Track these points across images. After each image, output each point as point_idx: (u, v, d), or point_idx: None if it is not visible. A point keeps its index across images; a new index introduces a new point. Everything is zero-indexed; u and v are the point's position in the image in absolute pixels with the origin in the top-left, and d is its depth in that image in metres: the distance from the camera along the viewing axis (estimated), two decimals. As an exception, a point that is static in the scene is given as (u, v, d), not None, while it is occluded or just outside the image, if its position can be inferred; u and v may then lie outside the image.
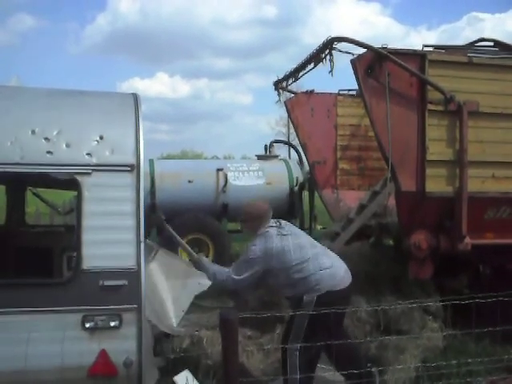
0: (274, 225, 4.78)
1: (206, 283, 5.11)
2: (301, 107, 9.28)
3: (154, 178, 10.97)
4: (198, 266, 4.95)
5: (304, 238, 4.80)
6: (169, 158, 43.06)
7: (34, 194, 7.39)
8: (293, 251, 4.57)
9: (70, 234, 6.01)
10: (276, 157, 12.58)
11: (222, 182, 11.20)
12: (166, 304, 4.94)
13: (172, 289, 4.96)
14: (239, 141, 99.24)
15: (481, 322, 4.51)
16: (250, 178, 11.48)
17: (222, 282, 4.77)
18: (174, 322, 4.95)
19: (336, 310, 4.15)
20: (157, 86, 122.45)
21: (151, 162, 11.32)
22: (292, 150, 12.83)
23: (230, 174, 11.33)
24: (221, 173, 11.24)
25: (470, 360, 4.86)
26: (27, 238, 6.32)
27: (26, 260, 5.83)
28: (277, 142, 13.99)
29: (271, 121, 62.56)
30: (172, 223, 10.50)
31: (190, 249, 5.32)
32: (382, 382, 4.87)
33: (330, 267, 4.58)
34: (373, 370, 4.77)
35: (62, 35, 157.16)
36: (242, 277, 4.64)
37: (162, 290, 5.00)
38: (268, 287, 5.41)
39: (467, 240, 6.00)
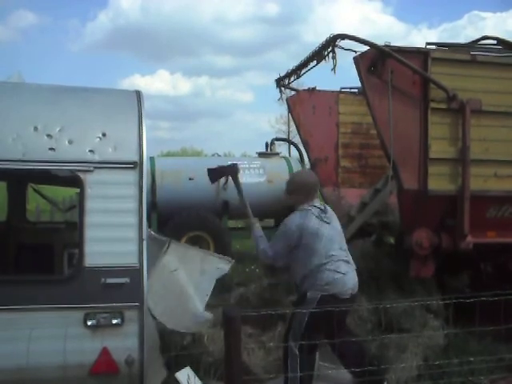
0: (319, 206, 4.71)
1: (225, 267, 5.14)
2: (302, 105, 9.24)
3: (154, 175, 10.97)
4: (251, 232, 5.00)
5: (338, 236, 4.74)
6: (169, 155, 43.01)
7: (35, 190, 7.39)
8: (324, 240, 4.53)
9: (71, 231, 6.02)
10: (277, 154, 12.57)
11: (222, 180, 11.16)
12: (186, 294, 4.93)
13: (191, 277, 4.96)
14: (239, 138, 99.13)
15: (483, 321, 4.50)
16: (250, 176, 11.47)
17: (260, 255, 4.84)
18: (200, 307, 4.95)
19: (335, 311, 4.14)
20: (157, 83, 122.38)
21: (152, 159, 11.31)
22: (292, 147, 12.82)
23: (231, 172, 11.31)
24: (222, 170, 11.22)
25: (471, 359, 4.87)
26: (28, 235, 6.31)
27: (28, 257, 5.82)
28: (278, 139, 14.01)
29: (271, 119, 62.42)
30: (172, 221, 10.61)
31: (249, 211, 5.23)
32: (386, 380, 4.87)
33: (344, 274, 4.56)
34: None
35: (64, 32, 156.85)
36: (274, 251, 4.67)
37: (180, 281, 4.98)
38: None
39: (469, 239, 5.98)
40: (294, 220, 4.61)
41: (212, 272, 5.18)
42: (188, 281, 5.12)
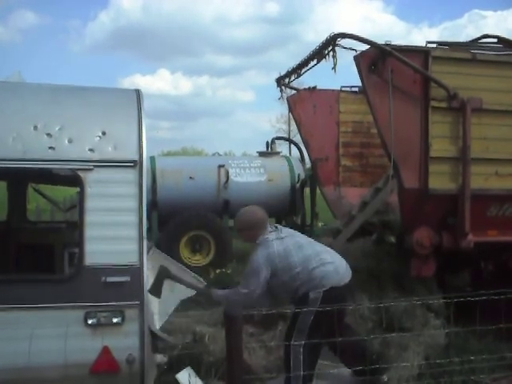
0: (272, 230, 4.74)
1: (193, 292, 5.04)
2: (303, 104, 9.24)
3: (155, 174, 10.98)
4: (212, 298, 4.86)
5: (301, 238, 4.79)
6: (170, 155, 43.05)
7: (36, 190, 7.38)
8: (294, 251, 4.55)
9: (71, 231, 6.01)
10: (277, 153, 12.58)
11: (223, 179, 11.21)
12: (151, 306, 4.88)
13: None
14: (240, 138, 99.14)
15: (484, 320, 4.50)
16: (251, 175, 11.49)
17: (236, 301, 4.61)
18: (158, 324, 4.90)
19: (340, 306, 4.14)
20: (158, 82, 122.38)
21: (152, 158, 11.33)
22: (293, 146, 12.82)
23: (231, 171, 11.34)
24: (222, 169, 11.25)
25: (472, 357, 4.86)
26: (29, 235, 6.30)
27: (28, 256, 5.82)
28: (278, 138, 14.01)
29: (272, 118, 62.39)
30: (173, 220, 10.62)
31: (196, 284, 5.06)
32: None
33: (333, 262, 4.58)
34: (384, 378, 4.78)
35: (64, 32, 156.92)
36: (251, 288, 4.52)
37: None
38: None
39: (470, 237, 5.98)
40: (259, 255, 4.56)
41: (181, 291, 5.09)
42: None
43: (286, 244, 4.59)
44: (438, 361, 4.92)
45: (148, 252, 4.87)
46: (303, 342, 4.40)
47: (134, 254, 3.71)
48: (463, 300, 4.43)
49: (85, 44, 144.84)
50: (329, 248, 4.85)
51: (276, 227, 4.80)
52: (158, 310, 5.05)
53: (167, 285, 4.92)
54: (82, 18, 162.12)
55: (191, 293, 5.11)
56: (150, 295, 4.32)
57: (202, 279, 5.41)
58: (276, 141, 13.08)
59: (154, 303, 4.93)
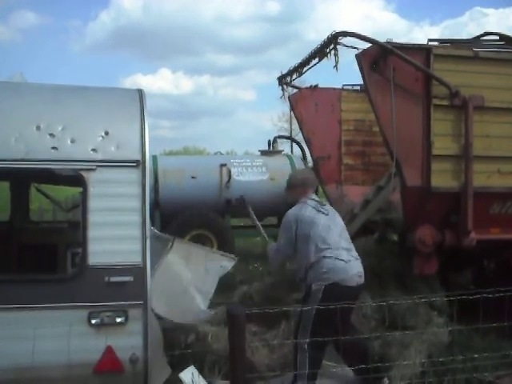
0: (316, 199, 4.89)
1: (228, 265, 5.19)
2: (305, 102, 9.24)
3: (157, 174, 10.98)
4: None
5: (337, 226, 4.83)
6: (171, 154, 43.04)
7: (38, 190, 7.40)
8: (320, 228, 4.63)
9: (74, 231, 6.02)
10: (279, 152, 12.57)
11: (225, 178, 11.20)
12: (189, 291, 4.96)
13: (195, 275, 5.00)
14: (242, 137, 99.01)
15: (486, 318, 4.50)
16: (253, 174, 11.49)
17: (270, 256, 5.04)
18: (203, 306, 4.97)
19: (342, 306, 4.14)
20: (159, 82, 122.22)
21: (154, 158, 11.33)
22: (295, 145, 12.82)
23: (233, 170, 11.33)
24: (224, 168, 11.24)
25: (475, 355, 4.85)
26: (31, 235, 6.32)
27: (31, 256, 5.83)
28: (280, 137, 13.98)
29: (274, 117, 62.36)
30: (175, 219, 10.62)
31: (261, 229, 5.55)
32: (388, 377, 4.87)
33: (346, 262, 4.59)
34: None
35: (65, 32, 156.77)
36: (280, 245, 4.85)
37: (183, 279, 5.01)
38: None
39: (472, 235, 5.98)
40: (290, 212, 4.81)
41: (215, 270, 5.23)
42: (192, 279, 5.15)
43: (319, 218, 4.70)
44: (441, 359, 4.93)
45: (172, 245, 4.98)
46: (307, 340, 4.41)
47: (137, 254, 3.72)
48: (466, 298, 4.42)
49: (86, 44, 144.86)
50: (354, 250, 4.84)
51: (322, 201, 4.95)
52: (199, 292, 5.13)
53: (201, 267, 5.04)
54: (82, 18, 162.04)
55: (226, 270, 5.27)
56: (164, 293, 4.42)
57: (233, 256, 5.56)
58: (278, 139, 13.06)
59: (191, 290, 5.02)
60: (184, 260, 5.05)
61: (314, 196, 4.94)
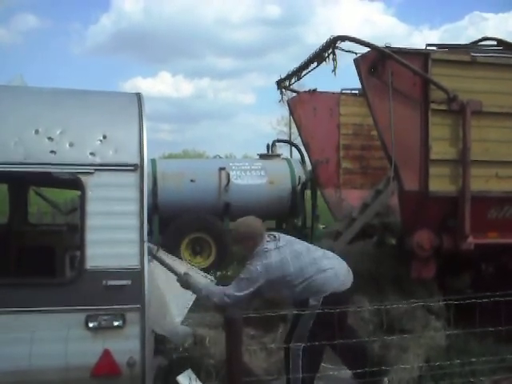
0: (270, 240, 4.72)
1: (174, 274, 5.09)
2: (303, 106, 9.26)
3: (156, 177, 10.98)
4: (185, 285, 4.80)
5: (299, 246, 4.76)
6: (171, 157, 43.04)
7: (37, 193, 7.40)
8: (291, 261, 4.54)
9: (72, 234, 6.02)
10: (278, 156, 12.59)
11: (224, 181, 11.21)
12: (167, 303, 4.95)
13: (174, 286, 4.97)
14: (241, 140, 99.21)
15: (484, 322, 4.51)
16: (252, 177, 11.50)
17: (219, 301, 4.63)
18: (178, 320, 4.95)
19: (340, 310, 4.15)
20: (159, 85, 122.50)
21: (153, 161, 11.33)
22: (294, 149, 12.83)
23: (232, 173, 11.34)
24: (223, 172, 11.25)
25: (473, 359, 4.86)
26: (30, 238, 6.32)
27: (29, 259, 5.83)
28: (279, 141, 14.01)
29: (273, 120, 62.36)
30: (174, 223, 10.63)
31: (175, 269, 5.02)
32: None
33: (332, 268, 4.58)
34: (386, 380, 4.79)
35: (66, 35, 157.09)
36: (242, 293, 4.53)
37: (162, 290, 5.01)
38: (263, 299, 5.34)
39: (470, 239, 5.99)
40: (258, 265, 4.55)
41: None
42: (169, 292, 5.13)
43: (284, 254, 4.57)
44: (438, 363, 4.93)
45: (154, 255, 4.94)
46: (302, 346, 4.41)
47: (135, 258, 3.72)
48: (463, 302, 4.43)
49: (86, 47, 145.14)
50: (329, 252, 4.84)
51: (274, 236, 4.78)
52: (176, 308, 5.10)
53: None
54: (83, 21, 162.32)
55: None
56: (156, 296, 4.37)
57: (212, 277, 5.47)
58: (277, 143, 13.08)
59: (169, 303, 4.98)
60: (164, 273, 5.03)
61: (266, 238, 4.73)
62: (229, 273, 10.27)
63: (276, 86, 8.73)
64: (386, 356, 5.41)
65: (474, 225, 5.94)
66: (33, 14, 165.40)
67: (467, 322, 5.01)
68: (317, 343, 4.28)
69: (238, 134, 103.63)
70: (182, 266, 5.31)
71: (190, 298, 5.25)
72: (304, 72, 7.52)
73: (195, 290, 4.79)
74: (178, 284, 4.86)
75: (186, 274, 4.90)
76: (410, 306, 5.89)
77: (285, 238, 4.80)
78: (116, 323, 3.67)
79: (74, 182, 3.87)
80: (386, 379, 4.82)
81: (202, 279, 5.31)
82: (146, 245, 3.76)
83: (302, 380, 4.39)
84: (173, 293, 5.14)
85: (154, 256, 4.83)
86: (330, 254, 4.81)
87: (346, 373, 4.88)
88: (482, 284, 6.91)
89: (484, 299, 4.37)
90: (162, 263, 4.93)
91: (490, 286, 5.30)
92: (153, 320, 4.33)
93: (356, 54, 5.94)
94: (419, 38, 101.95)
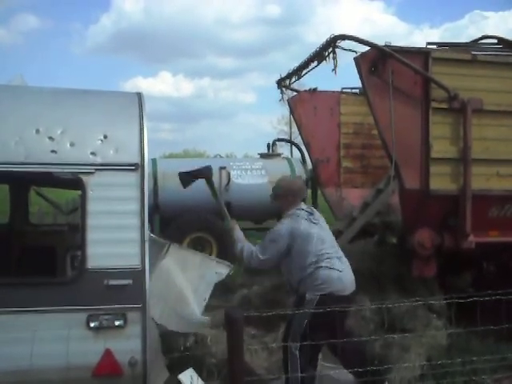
0: (306, 209, 4.75)
1: (223, 272, 5.15)
2: (304, 105, 9.28)
3: (156, 177, 10.97)
4: (230, 234, 4.96)
5: (328, 235, 4.77)
6: (171, 157, 43.03)
7: (38, 193, 7.40)
8: (315, 241, 4.55)
9: (73, 234, 6.03)
10: (279, 155, 12.58)
11: (224, 181, 11.19)
12: (185, 297, 4.95)
13: (190, 281, 4.99)
14: (241, 139, 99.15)
15: (485, 320, 4.50)
16: (252, 177, 11.47)
17: (247, 259, 4.73)
18: (197, 312, 4.96)
19: (335, 315, 4.15)
20: (160, 84, 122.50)
21: (154, 161, 11.32)
22: (294, 148, 12.83)
23: (232, 173, 11.32)
24: (224, 171, 11.24)
25: (474, 358, 4.86)
26: (31, 238, 6.32)
27: (30, 259, 5.83)
28: (280, 140, 14.01)
29: (273, 119, 62.34)
30: (175, 222, 10.62)
31: (226, 212, 5.27)
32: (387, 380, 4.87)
33: (340, 271, 4.57)
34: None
35: (66, 35, 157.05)
36: (266, 256, 4.61)
37: (178, 284, 5.01)
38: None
39: (471, 238, 5.99)
40: (284, 225, 4.64)
41: (210, 276, 5.20)
42: (186, 285, 5.16)
43: (312, 230, 4.59)
44: (439, 362, 4.93)
45: (167, 250, 4.97)
46: (298, 345, 4.41)
47: (136, 257, 3.72)
48: (465, 301, 4.43)
49: (87, 47, 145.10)
50: (344, 258, 4.80)
51: (312, 209, 4.81)
52: (194, 300, 5.12)
53: (197, 273, 5.02)
54: (83, 21, 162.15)
55: (221, 277, 5.22)
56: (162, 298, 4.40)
57: (228, 263, 5.52)
58: (277, 142, 13.08)
59: (187, 295, 5.00)
60: (179, 266, 5.04)
61: (303, 205, 4.80)
62: (230, 273, 10.27)
63: (276, 86, 8.74)
64: (387, 355, 5.42)
65: (474, 223, 5.93)
66: (33, 14, 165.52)
67: (468, 321, 5.02)
68: (313, 343, 4.28)
69: (239, 134, 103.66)
70: (197, 257, 5.34)
71: (207, 290, 5.26)
72: (304, 71, 7.54)
73: (232, 240, 4.91)
74: (195, 277, 4.91)
75: (234, 224, 5.06)
76: (412, 304, 5.90)
77: (320, 218, 4.81)
78: (117, 323, 3.66)
79: (74, 182, 3.87)
80: (386, 383, 4.81)
81: (221, 266, 5.38)
82: (147, 244, 3.76)
83: (301, 379, 4.39)
84: (190, 288, 5.14)
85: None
86: (345, 259, 4.79)
87: (347, 373, 4.87)
88: (483, 282, 6.92)
89: (485, 298, 4.36)
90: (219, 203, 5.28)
91: (491, 285, 5.31)
92: (169, 319, 4.35)
93: (356, 52, 5.95)
94: (419, 36, 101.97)
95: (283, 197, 4.84)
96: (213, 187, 5.35)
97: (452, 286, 6.99)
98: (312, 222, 4.66)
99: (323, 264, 4.50)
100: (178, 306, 4.95)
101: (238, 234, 4.94)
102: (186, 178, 5.35)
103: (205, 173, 5.34)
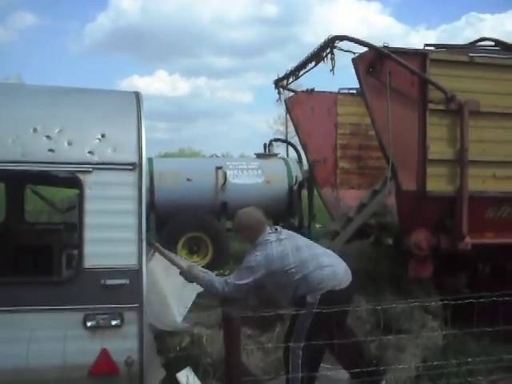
0: (272, 232, 4.75)
1: (177, 267, 5.10)
2: (301, 106, 9.27)
3: (152, 176, 10.97)
4: (190, 276, 4.80)
5: (300, 240, 4.78)
6: (167, 156, 42.99)
7: (34, 191, 7.38)
8: (291, 253, 4.55)
9: (69, 232, 6.01)
10: (275, 155, 12.59)
11: (221, 181, 11.21)
12: (167, 302, 4.95)
13: (173, 287, 4.98)
14: (238, 139, 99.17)
15: (481, 322, 4.51)
16: (249, 177, 11.49)
17: (219, 290, 4.65)
18: (178, 319, 4.96)
19: (338, 309, 4.15)
20: (156, 83, 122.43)
21: (150, 160, 11.32)
22: (291, 148, 12.85)
23: (229, 173, 11.34)
24: (220, 171, 11.25)
25: (470, 359, 4.86)
26: (27, 236, 6.30)
27: (26, 258, 5.82)
28: (276, 140, 14.03)
29: (270, 119, 62.30)
30: (171, 222, 10.62)
31: (178, 262, 5.11)
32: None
33: (331, 265, 4.57)
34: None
35: (63, 33, 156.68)
36: (242, 282, 4.55)
37: (162, 288, 5.02)
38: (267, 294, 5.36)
39: (467, 239, 5.99)
40: (258, 254, 4.58)
41: (193, 285, 5.17)
42: (170, 290, 5.15)
43: (285, 246, 4.59)
44: (435, 363, 4.94)
45: (154, 253, 4.95)
46: (301, 345, 4.41)
47: (133, 257, 3.72)
48: (461, 302, 4.44)
49: (84, 45, 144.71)
50: (329, 250, 4.84)
51: (276, 229, 4.81)
52: (177, 307, 5.11)
53: (179, 281, 5.00)
54: (80, 20, 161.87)
55: (201, 288, 5.20)
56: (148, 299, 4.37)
57: (210, 272, 5.51)
58: (274, 142, 13.10)
59: (169, 301, 4.99)
60: (164, 270, 5.04)
61: (268, 229, 4.76)
62: (226, 272, 10.28)
63: (274, 86, 8.74)
64: (383, 356, 5.43)
65: (471, 225, 5.94)
66: (30, 12, 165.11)
67: (464, 322, 5.03)
68: (315, 343, 4.28)
69: (235, 133, 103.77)
70: (182, 262, 5.33)
71: (190, 298, 5.26)
72: (302, 71, 7.53)
73: (199, 281, 4.79)
74: (178, 284, 4.87)
75: (190, 266, 4.94)
76: (408, 305, 5.91)
77: (286, 232, 4.82)
78: (114, 322, 3.67)
79: (72, 181, 3.87)
80: (383, 382, 4.81)
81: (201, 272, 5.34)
82: (144, 243, 3.76)
83: (301, 380, 4.39)
84: (174, 293, 5.15)
85: (156, 249, 4.85)
86: (330, 252, 4.81)
87: (344, 373, 4.87)
88: (479, 284, 6.93)
89: (481, 299, 4.37)
90: (165, 257, 4.96)
91: (486, 286, 5.33)
92: (154, 316, 4.34)
93: (354, 53, 5.94)
94: (416, 38, 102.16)
95: (245, 231, 4.81)
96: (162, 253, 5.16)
97: (448, 287, 7.00)
98: (280, 239, 4.65)
99: (310, 267, 4.50)
100: (160, 312, 4.95)
101: (198, 273, 4.83)
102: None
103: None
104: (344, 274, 4.63)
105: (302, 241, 4.80)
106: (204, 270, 5.22)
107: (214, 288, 4.69)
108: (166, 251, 5.20)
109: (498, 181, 6.09)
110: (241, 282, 4.56)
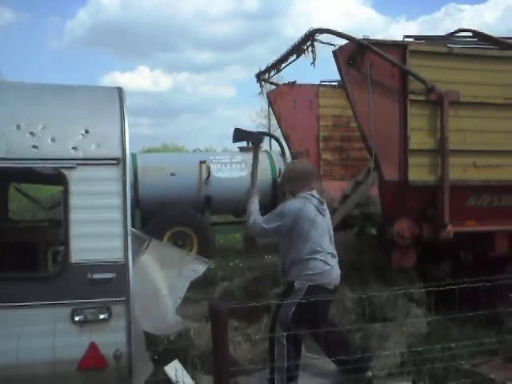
0: (317, 197, 4.81)
1: (200, 269, 5.18)
2: (283, 99, 9.31)
3: (136, 172, 10.96)
4: (247, 205, 4.93)
5: (330, 229, 4.89)
6: (150, 151, 42.78)
7: (17, 189, 7.36)
8: (319, 230, 4.66)
9: (54, 229, 6.01)
10: (258, 149, 12.60)
11: (204, 175, 11.22)
12: (160, 299, 4.98)
13: (167, 277, 5.02)
14: (221, 133, 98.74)
15: (463, 308, 4.60)
16: (232, 170, 11.52)
17: (249, 222, 4.82)
18: (171, 315, 4.99)
19: (320, 305, 4.22)
20: (138, 79, 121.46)
21: (134, 156, 11.30)
22: (274, 141, 12.87)
23: (212, 167, 11.36)
24: (203, 165, 11.26)
25: (453, 344, 4.97)
26: (11, 234, 6.28)
27: (12, 256, 5.81)
28: (259, 133, 14.02)
29: (252, 113, 62.17)
30: (155, 217, 10.62)
31: (255, 184, 5.21)
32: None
33: (331, 267, 4.70)
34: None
35: (43, 29, 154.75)
36: (268, 226, 4.70)
37: (155, 283, 5.05)
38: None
39: (449, 228, 6.07)
40: (293, 203, 4.73)
41: (187, 274, 5.23)
42: (163, 283, 5.19)
43: (318, 219, 4.69)
44: (419, 349, 5.03)
45: (147, 246, 4.98)
46: (285, 334, 4.47)
47: (119, 251, 3.75)
48: (443, 289, 4.52)
49: (64, 41, 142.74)
50: (336, 255, 4.90)
51: (322, 200, 4.88)
52: (169, 296, 5.15)
53: (175, 270, 5.04)
54: (60, 15, 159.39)
55: (198, 274, 5.26)
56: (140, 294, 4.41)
57: (206, 259, 5.56)
58: (256, 136, 13.10)
59: (163, 292, 5.03)
60: (158, 262, 5.08)
61: (315, 193, 4.85)
62: (211, 266, 10.30)
63: (256, 79, 8.76)
64: (368, 344, 5.50)
65: (452, 213, 6.02)
66: (8, 8, 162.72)
67: (447, 309, 5.12)
68: (296, 332, 4.35)
69: (218, 128, 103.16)
70: (176, 253, 5.37)
71: (183, 288, 5.29)
72: (283, 65, 7.55)
73: (248, 201, 4.94)
74: (173, 275, 4.92)
75: (254, 192, 5.04)
76: (392, 294, 5.99)
77: (326, 210, 4.91)
78: (102, 316, 3.69)
79: (56, 177, 3.87)
80: (369, 372, 4.88)
81: (198, 262, 5.41)
82: (130, 238, 3.78)
83: (286, 368, 4.45)
84: (167, 286, 5.18)
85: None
86: (335, 254, 4.89)
87: (330, 362, 4.94)
88: (461, 271, 7.03)
89: (462, 285, 4.46)
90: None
91: (468, 273, 5.42)
92: (144, 317, 4.37)
93: (335, 46, 5.98)
94: (397, 29, 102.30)
95: (296, 180, 4.89)
96: (256, 155, 5.38)
97: (431, 276, 7.09)
98: (320, 211, 4.74)
99: (318, 257, 4.60)
100: (153, 306, 4.99)
101: (254, 204, 4.94)
102: (239, 134, 5.55)
103: (256, 139, 5.46)
104: (336, 279, 4.76)
105: (330, 230, 4.89)
106: (204, 260, 5.31)
107: (248, 217, 4.86)
108: (159, 244, 5.27)
109: (479, 169, 6.17)
110: (266, 226, 4.70)
